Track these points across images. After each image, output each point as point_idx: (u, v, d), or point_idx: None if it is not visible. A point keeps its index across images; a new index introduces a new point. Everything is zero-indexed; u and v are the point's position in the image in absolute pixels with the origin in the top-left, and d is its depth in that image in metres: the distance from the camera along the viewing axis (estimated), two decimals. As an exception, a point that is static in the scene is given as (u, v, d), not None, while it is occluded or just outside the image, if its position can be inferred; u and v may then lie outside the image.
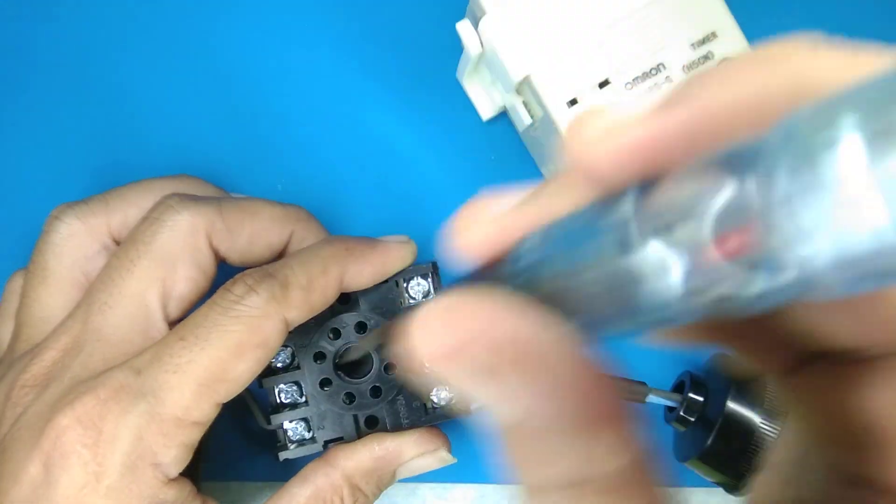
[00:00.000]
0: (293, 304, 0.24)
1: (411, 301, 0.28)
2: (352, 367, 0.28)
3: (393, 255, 0.26)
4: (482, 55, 0.27)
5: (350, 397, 0.27)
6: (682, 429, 0.30)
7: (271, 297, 0.23)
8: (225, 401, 0.23)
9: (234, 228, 0.25)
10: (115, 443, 0.22)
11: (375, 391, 0.27)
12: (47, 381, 0.24)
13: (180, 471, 0.23)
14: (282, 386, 0.28)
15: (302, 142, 0.33)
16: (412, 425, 0.28)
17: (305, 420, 0.28)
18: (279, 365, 0.28)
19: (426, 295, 0.28)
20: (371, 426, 0.28)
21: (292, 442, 0.28)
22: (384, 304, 0.28)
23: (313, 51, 0.33)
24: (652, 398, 0.29)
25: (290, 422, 0.28)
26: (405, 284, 0.28)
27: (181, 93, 0.33)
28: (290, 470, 0.27)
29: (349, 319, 0.27)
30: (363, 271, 0.26)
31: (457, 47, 0.29)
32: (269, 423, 0.28)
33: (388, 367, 0.27)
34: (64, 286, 0.26)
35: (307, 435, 0.28)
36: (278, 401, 0.28)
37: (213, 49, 0.33)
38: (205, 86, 0.33)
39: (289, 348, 0.28)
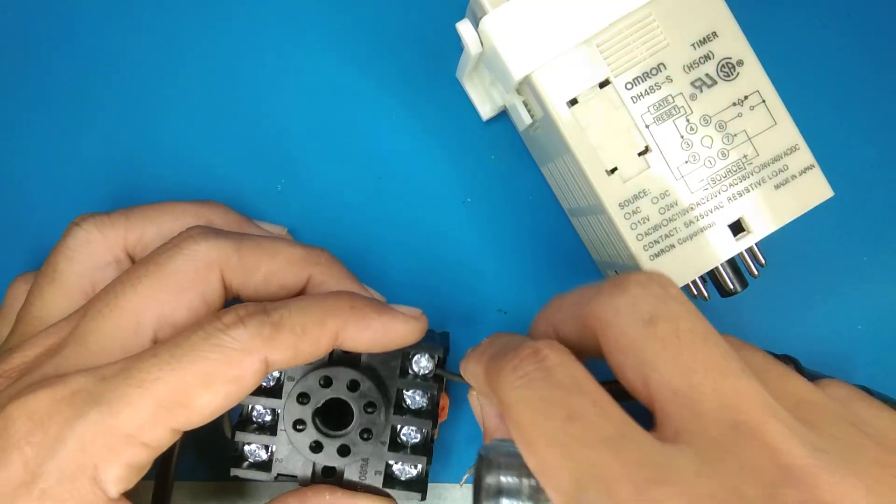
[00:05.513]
0: (279, 346, 0.23)
1: (411, 374, 0.27)
2: (331, 417, 0.27)
3: (398, 329, 0.25)
4: (482, 55, 0.27)
5: (318, 447, 0.27)
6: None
7: (258, 333, 0.23)
8: (184, 429, 0.23)
9: (250, 266, 0.25)
10: (58, 446, 0.21)
11: (344, 450, 0.27)
12: (20, 375, 0.23)
13: (122, 491, 0.22)
14: (258, 408, 0.28)
15: (301, 142, 0.33)
16: (367, 490, 0.27)
17: (267, 447, 0.28)
18: (262, 384, 0.27)
19: (425, 377, 0.27)
20: (327, 475, 0.27)
21: (247, 462, 0.28)
22: (384, 369, 0.27)
23: (312, 50, 0.33)
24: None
25: (252, 444, 0.28)
26: (412, 357, 0.27)
27: (180, 92, 0.33)
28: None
29: (344, 374, 0.26)
30: (361, 335, 0.24)
31: (457, 47, 0.29)
32: (232, 435, 0.27)
33: (364, 432, 0.27)
34: (70, 290, 0.26)
35: (264, 457, 0.28)
36: (249, 418, 0.28)
37: (213, 49, 0.33)
38: (204, 85, 0.33)
39: (279, 375, 0.27)
